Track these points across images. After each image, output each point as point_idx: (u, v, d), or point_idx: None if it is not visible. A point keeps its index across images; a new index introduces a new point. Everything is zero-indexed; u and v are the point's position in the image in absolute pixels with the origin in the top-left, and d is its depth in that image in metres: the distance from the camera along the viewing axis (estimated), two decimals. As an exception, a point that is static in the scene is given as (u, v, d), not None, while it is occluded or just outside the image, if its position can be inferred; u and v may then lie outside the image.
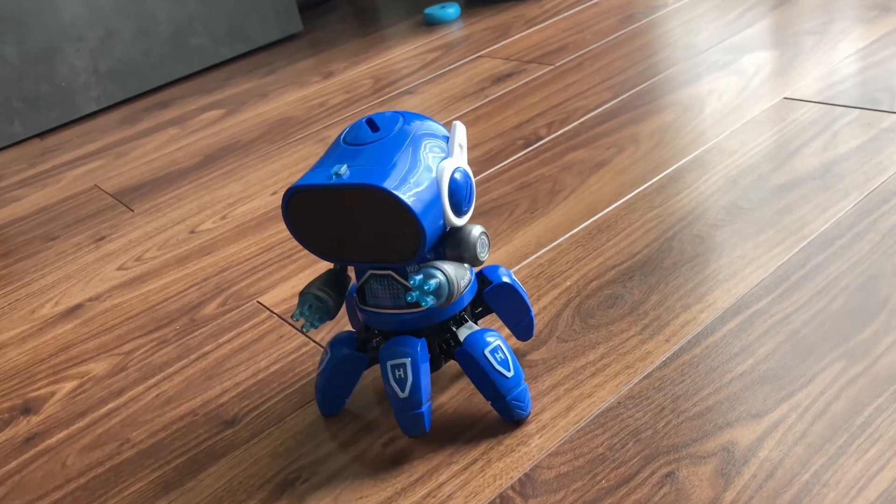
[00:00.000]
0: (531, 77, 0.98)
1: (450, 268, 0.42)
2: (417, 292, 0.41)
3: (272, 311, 0.63)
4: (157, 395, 0.56)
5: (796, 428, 0.42)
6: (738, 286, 0.53)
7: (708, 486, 0.40)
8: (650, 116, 0.80)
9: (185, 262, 0.74)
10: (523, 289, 0.51)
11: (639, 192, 0.67)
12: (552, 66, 0.99)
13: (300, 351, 0.57)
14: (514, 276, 0.50)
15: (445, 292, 0.42)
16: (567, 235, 0.63)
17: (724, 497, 0.39)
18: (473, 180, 0.44)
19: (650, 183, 0.68)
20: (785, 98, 0.77)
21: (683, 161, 0.70)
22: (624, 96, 0.86)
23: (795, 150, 0.68)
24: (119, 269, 0.76)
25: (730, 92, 0.81)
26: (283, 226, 0.77)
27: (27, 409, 0.59)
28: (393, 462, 0.45)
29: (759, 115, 0.75)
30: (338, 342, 0.48)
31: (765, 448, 0.41)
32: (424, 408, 0.44)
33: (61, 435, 0.55)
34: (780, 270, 0.54)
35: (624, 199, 0.67)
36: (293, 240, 0.74)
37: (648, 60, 0.94)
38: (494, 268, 0.49)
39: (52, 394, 0.60)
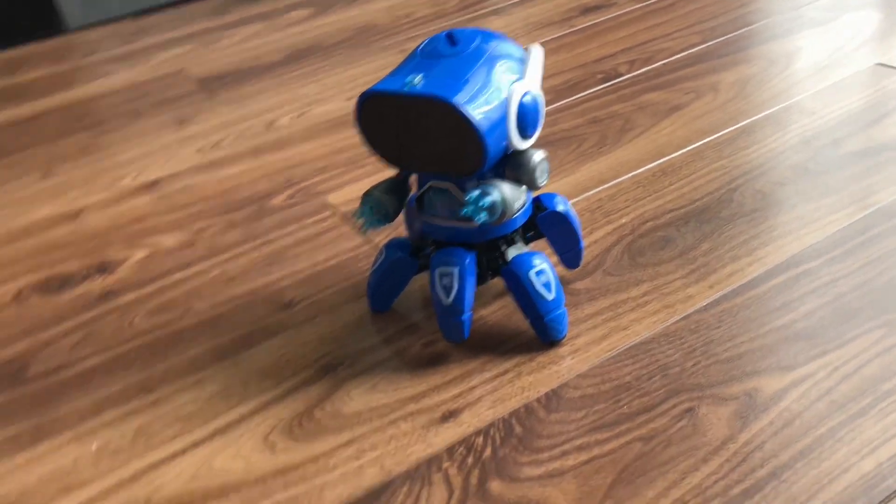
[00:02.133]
0: (621, 11, 0.96)
1: (507, 188, 0.44)
2: (472, 207, 0.43)
3: (336, 211, 0.66)
4: (221, 273, 0.60)
5: (822, 385, 0.43)
6: (790, 245, 0.54)
7: (725, 426, 0.42)
8: (734, 66, 0.78)
9: (259, 154, 0.77)
10: (577, 219, 0.52)
11: (709, 141, 0.67)
12: (644, 3, 0.97)
13: (357, 250, 0.60)
14: (569, 206, 0.51)
15: (499, 211, 0.43)
16: (630, 174, 0.64)
17: (739, 437, 0.41)
18: (544, 106, 0.45)
19: (722, 133, 0.68)
20: (878, 64, 0.74)
21: (760, 115, 0.69)
22: (711, 42, 0.84)
23: (877, 119, 0.66)
24: (197, 151, 0.80)
25: (821, 51, 0.79)
26: (354, 131, 0.79)
27: (103, 269, 0.63)
28: (430, 362, 0.48)
29: (847, 79, 0.73)
30: (393, 246, 0.50)
31: (787, 399, 0.43)
32: (465, 316, 0.47)
33: (131, 296, 0.59)
34: (836, 235, 0.54)
35: (693, 146, 0.66)
36: (362, 146, 0.76)
37: (743, 9, 0.91)
38: (552, 195, 0.51)
39: (126, 258, 0.64)
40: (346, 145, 0.76)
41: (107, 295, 0.60)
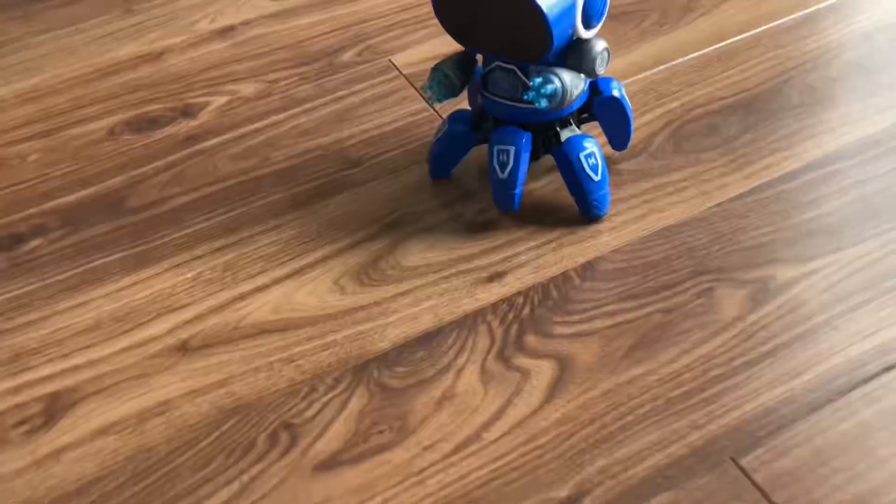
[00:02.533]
0: None
1: (567, 76, 0.48)
2: (534, 93, 0.47)
3: (401, 72, 0.69)
4: (295, 126, 0.65)
5: (832, 278, 0.48)
6: (829, 142, 0.57)
7: (737, 307, 0.47)
8: (810, -54, 0.77)
9: (328, 6, 0.80)
10: (629, 105, 0.55)
11: (769, 28, 0.68)
12: None
13: (420, 115, 0.64)
14: (623, 92, 0.55)
15: (559, 98, 0.47)
16: (687, 58, 0.66)
17: (748, 318, 0.47)
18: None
19: (783, 20, 0.69)
20: (959, -46, 0.73)
21: (825, 4, 0.70)
22: (791, -84, 0.82)
23: (944, 16, 0.67)
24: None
25: (904, -66, 0.77)
26: (422, -12, 0.80)
27: (186, 113, 0.69)
28: (482, 227, 0.54)
29: (923, -31, 0.72)
30: (455, 118, 0.55)
31: (797, 288, 0.48)
32: (517, 190, 0.52)
33: (214, 142, 0.65)
34: (875, 136, 0.57)
35: (752, 32, 0.68)
36: (430, 6, 0.78)
37: None
38: (608, 80, 0.54)
39: (207, 104, 0.69)
40: (412, 2, 0.78)
41: (191, 138, 0.66)
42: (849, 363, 0.44)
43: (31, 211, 0.60)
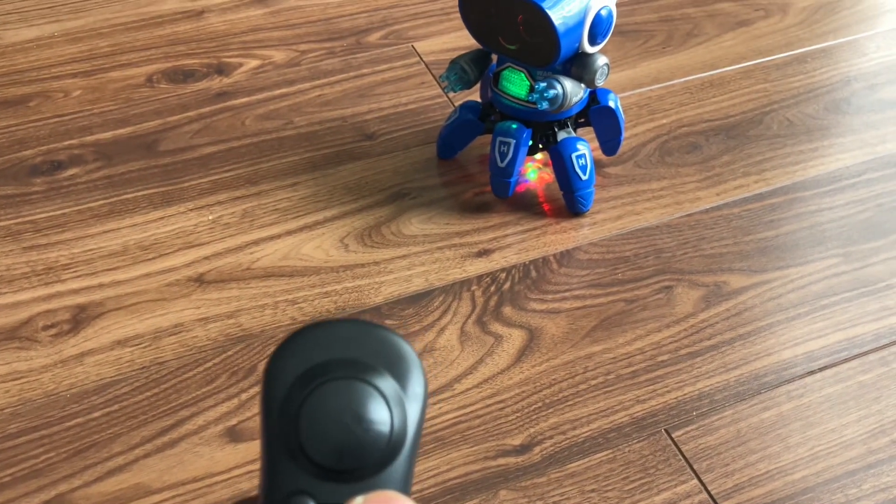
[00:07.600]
0: None
1: (569, 84, 0.54)
2: (538, 95, 0.53)
3: (422, 59, 0.75)
4: (319, 95, 0.71)
5: (776, 290, 0.55)
6: (796, 173, 0.63)
7: (691, 305, 0.54)
8: (811, -9, 0.83)
9: (362, -12, 0.85)
10: (623, 116, 0.61)
11: (761, 63, 0.74)
12: None
13: (434, 100, 0.70)
14: (619, 103, 0.61)
15: (559, 102, 0.54)
16: (682, 80, 0.72)
17: (699, 315, 0.53)
18: (615, 19, 0.54)
19: (776, 57, 0.75)
20: (943, 17, 0.79)
21: (816, 46, 0.76)
22: (799, -39, 0.88)
23: (919, 73, 0.73)
24: (307, -26, 0.88)
25: (898, -8, 0.83)
26: (450, -18, 0.86)
27: (220, 70, 0.75)
28: (477, 208, 0.60)
29: (909, 27, 0.78)
30: (466, 107, 0.61)
31: (746, 295, 0.54)
32: (513, 179, 0.58)
33: (244, 100, 0.71)
34: (837, 173, 0.63)
35: (745, 64, 0.74)
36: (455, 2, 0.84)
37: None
38: (606, 91, 0.60)
39: (241, 65, 0.75)
40: (440, -5, 0.84)
41: (223, 94, 0.72)
42: (779, 364, 0.50)
43: (71, 142, 0.66)
